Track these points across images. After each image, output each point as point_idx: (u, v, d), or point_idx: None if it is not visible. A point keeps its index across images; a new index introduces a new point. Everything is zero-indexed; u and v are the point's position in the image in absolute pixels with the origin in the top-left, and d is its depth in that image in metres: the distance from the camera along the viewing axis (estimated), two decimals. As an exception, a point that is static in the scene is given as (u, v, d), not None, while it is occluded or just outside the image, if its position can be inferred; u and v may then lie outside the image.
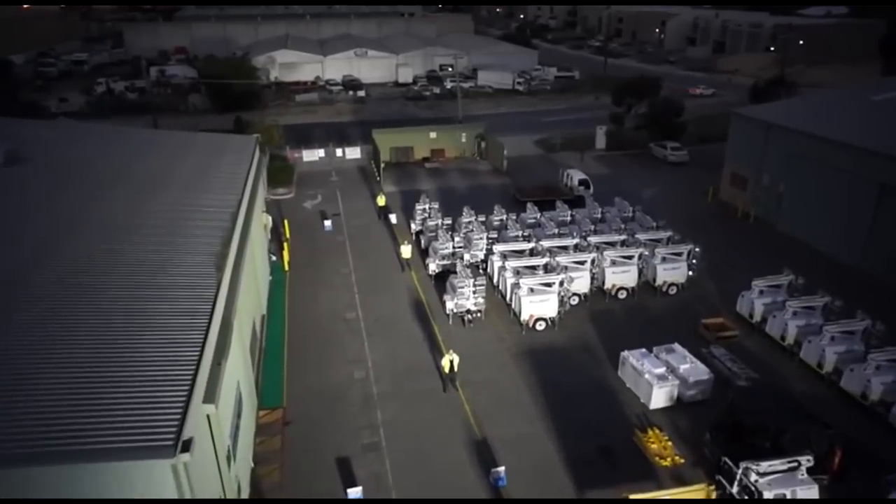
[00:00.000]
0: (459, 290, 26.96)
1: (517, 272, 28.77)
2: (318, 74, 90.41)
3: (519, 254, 30.79)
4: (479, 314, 27.67)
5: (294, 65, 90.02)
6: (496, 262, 30.09)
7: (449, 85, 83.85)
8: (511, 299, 28.35)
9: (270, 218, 38.25)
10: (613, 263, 29.71)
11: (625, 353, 23.61)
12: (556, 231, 32.73)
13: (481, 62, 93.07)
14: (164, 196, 23.77)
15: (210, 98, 73.01)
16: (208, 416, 14.58)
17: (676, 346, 23.94)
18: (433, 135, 52.37)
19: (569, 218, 35.25)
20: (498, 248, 30.52)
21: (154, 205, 22.75)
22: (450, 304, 27.64)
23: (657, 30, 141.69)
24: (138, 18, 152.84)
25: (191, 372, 14.18)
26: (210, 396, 14.38)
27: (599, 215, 35.69)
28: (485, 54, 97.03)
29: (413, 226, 36.68)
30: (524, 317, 26.97)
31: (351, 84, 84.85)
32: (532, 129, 64.05)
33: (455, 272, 29.64)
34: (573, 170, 43.17)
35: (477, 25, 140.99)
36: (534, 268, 29.16)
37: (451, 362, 22.94)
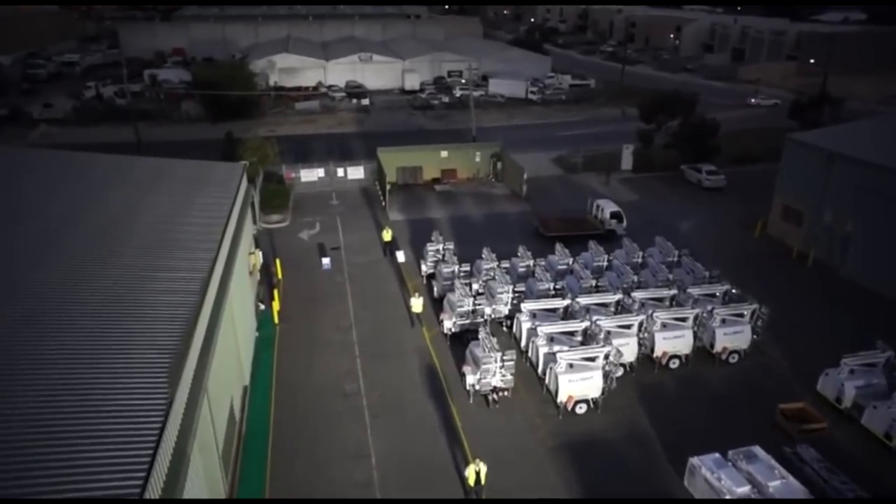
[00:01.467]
0: (484, 365, 22.15)
1: (551, 339, 24.01)
2: (320, 80, 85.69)
3: (551, 312, 26.02)
4: (506, 392, 22.88)
5: (295, 69, 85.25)
6: (525, 322, 25.31)
7: (458, 93, 79.14)
8: (544, 371, 23.58)
9: (261, 254, 33.52)
10: (664, 327, 24.92)
11: (695, 461, 18.79)
12: (593, 283, 27.88)
13: (491, 69, 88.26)
14: (117, 256, 18.99)
15: (204, 106, 68.27)
16: None
17: (758, 449, 19.13)
18: (444, 154, 47.57)
19: (605, 263, 30.41)
20: (527, 306, 25.71)
21: (102, 271, 17.97)
22: (470, 379, 22.88)
23: (672, 35, 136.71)
24: (139, 18, 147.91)
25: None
26: None
27: (640, 259, 30.84)
28: (495, 60, 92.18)
29: (424, 267, 31.90)
30: (561, 398, 22.19)
31: (354, 91, 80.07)
32: (548, 144, 59.29)
33: (475, 334, 24.97)
34: (604, 200, 38.34)
35: (484, 28, 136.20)
36: (571, 333, 24.39)
37: (478, 473, 18.15)
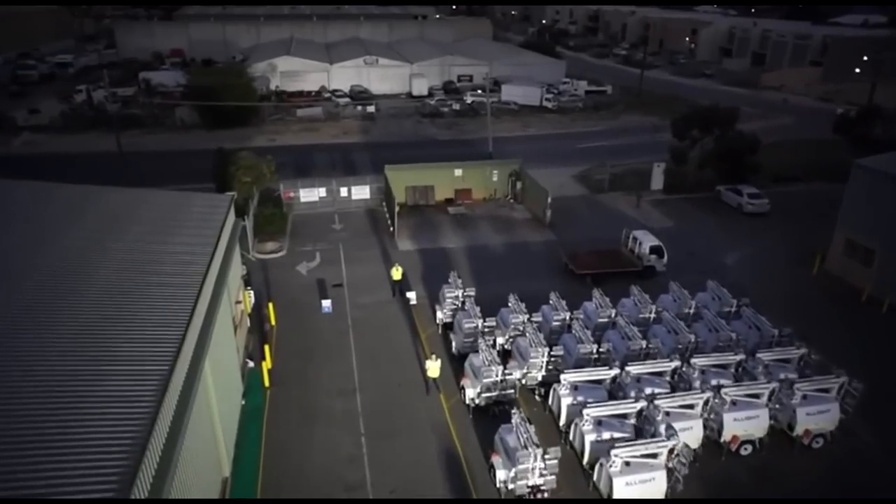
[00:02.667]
0: (520, 463, 17.82)
1: (599, 423, 19.69)
2: (324, 84, 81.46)
3: (597, 384, 21.66)
4: (545, 493, 18.54)
5: (297, 73, 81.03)
6: (565, 397, 20.98)
7: (469, 100, 74.78)
8: (591, 463, 19.27)
9: (252, 294, 29.33)
10: (734, 405, 20.56)
11: None
12: (643, 344, 23.43)
13: (503, 73, 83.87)
14: (61, 324, 14.75)
15: (199, 112, 64.05)
16: None
17: None
18: (458, 172, 43.18)
19: (652, 315, 26.01)
20: (567, 377, 21.32)
21: (34, 345, 13.73)
22: (502, 474, 18.61)
23: (687, 39, 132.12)
24: (142, 16, 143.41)
25: None
26: None
27: (692, 309, 26.41)
28: (507, 64, 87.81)
29: (440, 314, 27.52)
30: (616, 504, 17.87)
31: (360, 97, 75.74)
32: (568, 158, 54.97)
33: (504, 406, 20.85)
34: (641, 232, 33.89)
35: (493, 29, 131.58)
36: (623, 416, 20.05)
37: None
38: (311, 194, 42.23)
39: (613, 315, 25.38)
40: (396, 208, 38.11)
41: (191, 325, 16.17)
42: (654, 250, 32.56)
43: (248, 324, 27.72)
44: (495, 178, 43.78)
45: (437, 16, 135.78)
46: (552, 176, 46.23)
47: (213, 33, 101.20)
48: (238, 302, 24.78)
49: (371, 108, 70.88)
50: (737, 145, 44.60)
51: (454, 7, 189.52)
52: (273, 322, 28.12)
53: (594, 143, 61.44)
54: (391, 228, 38.53)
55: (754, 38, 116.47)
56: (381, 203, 42.74)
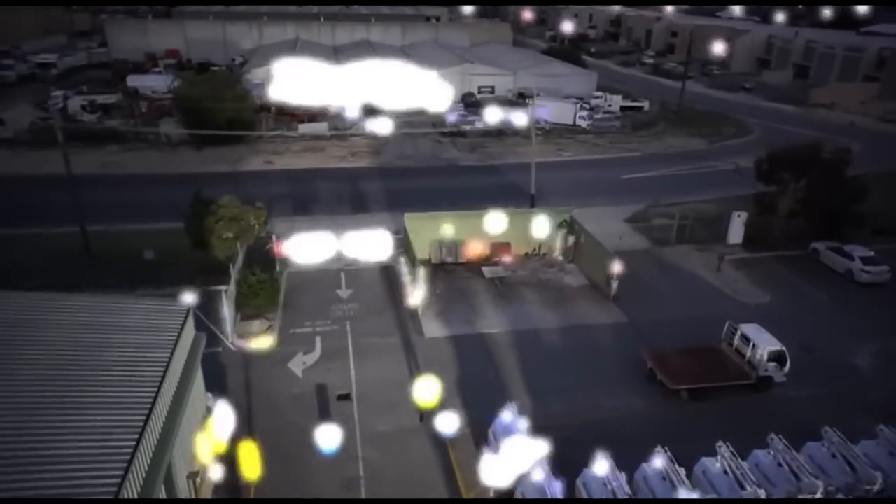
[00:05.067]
0: None
1: None
2: (330, 94, 72.86)
3: None
4: None
5: (301, 81, 72.45)
6: None
7: (494, 116, 66.25)
8: None
9: (231, 418, 20.83)
10: None
11: None
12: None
13: (528, 85, 75.24)
14: None
15: (186, 128, 55.71)
16: None
17: None
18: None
19: (819, 494, 17.42)
20: None
21: None
22: None
23: (720, 48, 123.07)
24: (142, 12, 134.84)
25: None
26: None
27: (880, 485, 17.78)
28: (532, 75, 79.22)
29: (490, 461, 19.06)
30: None
31: (371, 110, 66.99)
32: (614, 192, 46.68)
33: None
34: (752, 327, 25.08)
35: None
36: None
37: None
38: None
39: (762, 495, 16.82)
40: (421, 271, 29.67)
41: None
42: (775, 357, 23.93)
43: (221, 474, 19.21)
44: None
45: (451, 17, 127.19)
46: (602, 219, 38.14)
47: (211, 33, 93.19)
48: (194, 474, 16.28)
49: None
50: (839, 194, 35.93)
51: (465, 8, 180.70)
52: (254, 476, 19.57)
53: (640, 172, 53.01)
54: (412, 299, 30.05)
55: (797, 49, 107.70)
56: (398, 257, 34.30)
